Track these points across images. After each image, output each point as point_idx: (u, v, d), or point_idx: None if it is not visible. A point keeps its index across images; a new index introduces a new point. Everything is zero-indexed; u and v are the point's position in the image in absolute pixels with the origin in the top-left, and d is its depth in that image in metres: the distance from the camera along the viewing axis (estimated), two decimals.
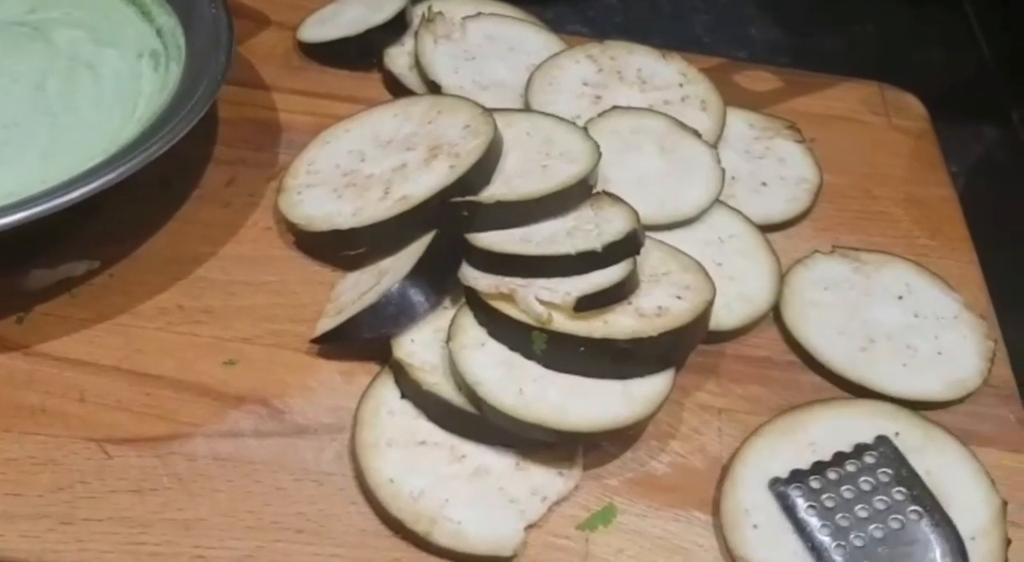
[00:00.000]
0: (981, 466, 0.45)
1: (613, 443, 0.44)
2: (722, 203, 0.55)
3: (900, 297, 0.53)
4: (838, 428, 0.46)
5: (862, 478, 0.44)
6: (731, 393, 0.48)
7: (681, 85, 0.61)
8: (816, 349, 0.50)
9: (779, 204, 0.58)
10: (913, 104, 0.68)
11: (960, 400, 0.49)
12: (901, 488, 0.44)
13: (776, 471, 0.44)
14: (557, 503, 0.42)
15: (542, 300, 0.44)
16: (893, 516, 0.43)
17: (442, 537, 0.40)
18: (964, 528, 0.43)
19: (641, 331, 0.44)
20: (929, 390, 0.49)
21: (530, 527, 0.41)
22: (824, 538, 0.42)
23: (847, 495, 0.43)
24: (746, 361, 0.50)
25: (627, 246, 0.47)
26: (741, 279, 0.52)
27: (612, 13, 0.77)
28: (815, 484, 0.44)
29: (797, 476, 0.44)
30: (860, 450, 0.45)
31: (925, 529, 0.43)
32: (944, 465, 0.45)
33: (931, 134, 0.65)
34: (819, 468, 0.44)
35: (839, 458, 0.44)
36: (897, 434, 0.46)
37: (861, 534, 0.42)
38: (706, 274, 0.48)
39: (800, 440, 0.45)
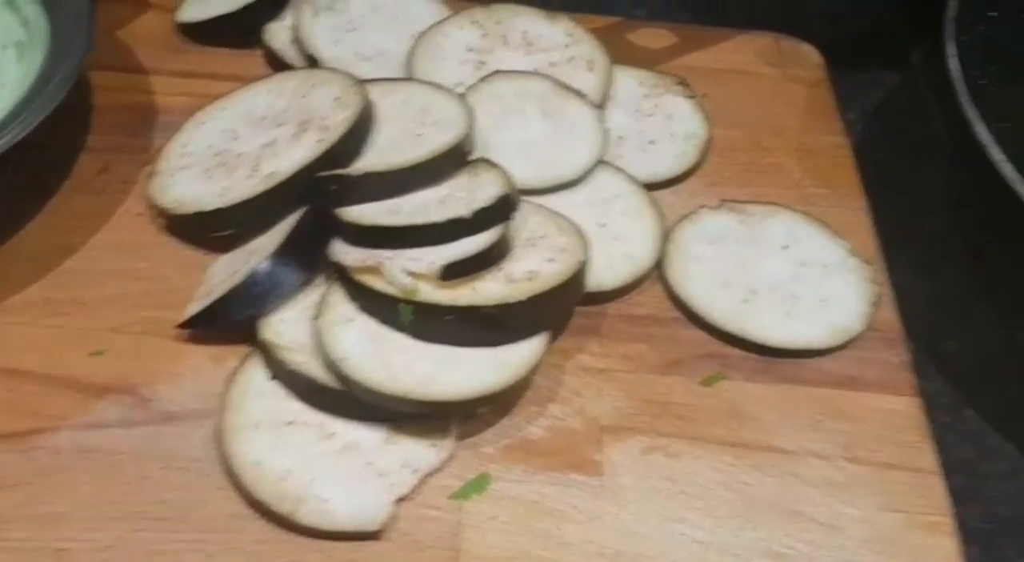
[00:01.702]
0: None
1: (489, 411, 0.44)
2: (607, 164, 0.54)
3: (785, 247, 0.53)
4: None
5: None
6: (613, 353, 0.48)
7: (567, 46, 0.60)
8: (697, 304, 0.49)
9: (667, 161, 0.57)
10: (809, 53, 0.67)
11: (843, 346, 0.49)
12: None
13: None
14: (430, 475, 0.42)
15: (409, 271, 0.43)
16: None
17: (308, 516, 0.39)
18: None
19: (509, 296, 0.43)
20: (811, 338, 0.49)
21: (401, 500, 0.41)
22: None
23: None
24: (629, 320, 0.49)
25: (498, 212, 0.46)
26: (625, 239, 0.51)
27: None
28: None
29: None
30: None
31: None
32: None
33: (826, 83, 0.65)
34: None
35: None
36: None
37: None
38: (581, 236, 0.47)
39: None
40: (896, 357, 0.49)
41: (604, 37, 0.63)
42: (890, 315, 0.51)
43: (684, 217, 0.54)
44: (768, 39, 0.68)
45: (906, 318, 0.52)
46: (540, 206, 0.50)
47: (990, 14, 0.59)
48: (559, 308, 0.46)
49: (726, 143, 0.60)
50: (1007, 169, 0.45)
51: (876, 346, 0.50)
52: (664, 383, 0.47)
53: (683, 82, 0.62)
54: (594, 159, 0.53)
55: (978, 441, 0.50)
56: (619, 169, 0.55)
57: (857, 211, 0.57)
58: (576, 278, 0.46)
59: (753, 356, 0.49)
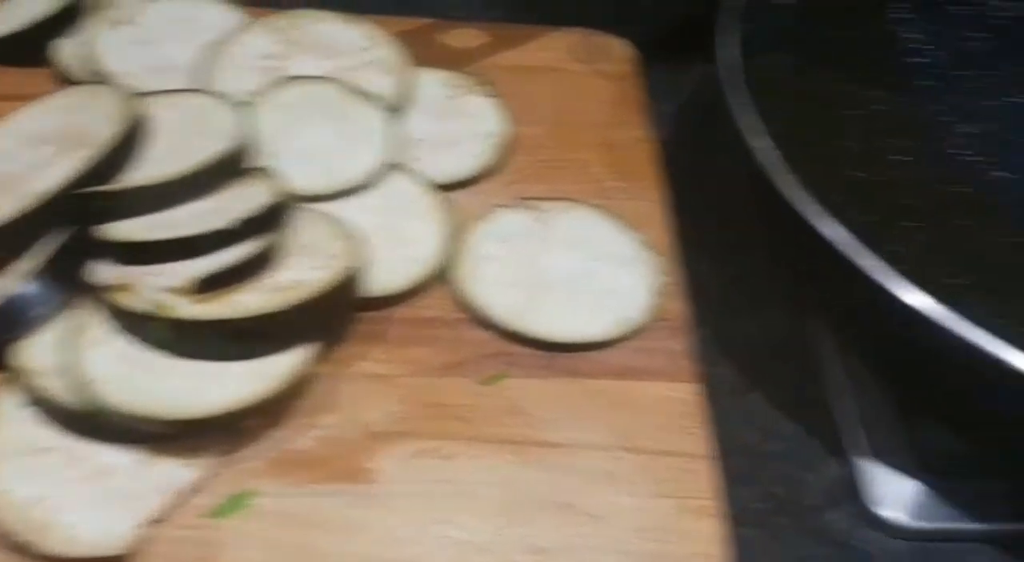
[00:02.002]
0: None
1: (256, 424, 0.43)
2: (401, 167, 0.54)
3: (577, 242, 0.53)
4: None
5: None
6: (395, 358, 0.48)
7: (366, 50, 0.60)
8: (482, 304, 0.49)
9: (466, 161, 0.57)
10: (619, 48, 0.68)
11: (628, 337, 0.49)
12: None
13: None
14: (188, 494, 0.41)
15: (164, 287, 0.42)
16: None
17: (54, 543, 0.38)
18: None
19: (267, 307, 0.43)
20: (594, 331, 0.49)
21: (156, 522, 0.40)
22: None
23: None
24: (415, 323, 0.49)
25: (263, 221, 0.45)
26: (411, 241, 0.51)
27: None
28: None
29: None
30: None
31: None
32: None
33: (635, 77, 0.66)
34: None
35: None
36: None
37: None
38: (356, 241, 0.47)
39: None
40: (679, 345, 0.50)
41: (414, 38, 0.63)
42: (678, 305, 0.52)
43: (478, 217, 0.54)
44: (579, 35, 0.69)
45: (702, 305, 0.53)
46: (321, 213, 0.49)
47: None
48: (326, 316, 0.45)
49: (529, 141, 0.60)
50: (764, 156, 0.46)
51: (661, 336, 0.50)
52: (444, 385, 0.47)
53: (486, 81, 0.61)
54: (381, 163, 0.53)
55: (761, 423, 0.51)
56: (412, 172, 0.54)
57: (654, 203, 0.57)
58: (344, 285, 0.45)
59: (538, 352, 0.49)
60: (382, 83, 0.58)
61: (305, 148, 0.53)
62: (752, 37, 0.55)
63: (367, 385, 0.46)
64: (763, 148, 0.46)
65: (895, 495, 0.47)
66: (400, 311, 0.50)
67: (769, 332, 0.54)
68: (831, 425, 0.50)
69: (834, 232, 0.43)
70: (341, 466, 0.43)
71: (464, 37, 0.67)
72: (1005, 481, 0.46)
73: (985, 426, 0.46)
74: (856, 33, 0.60)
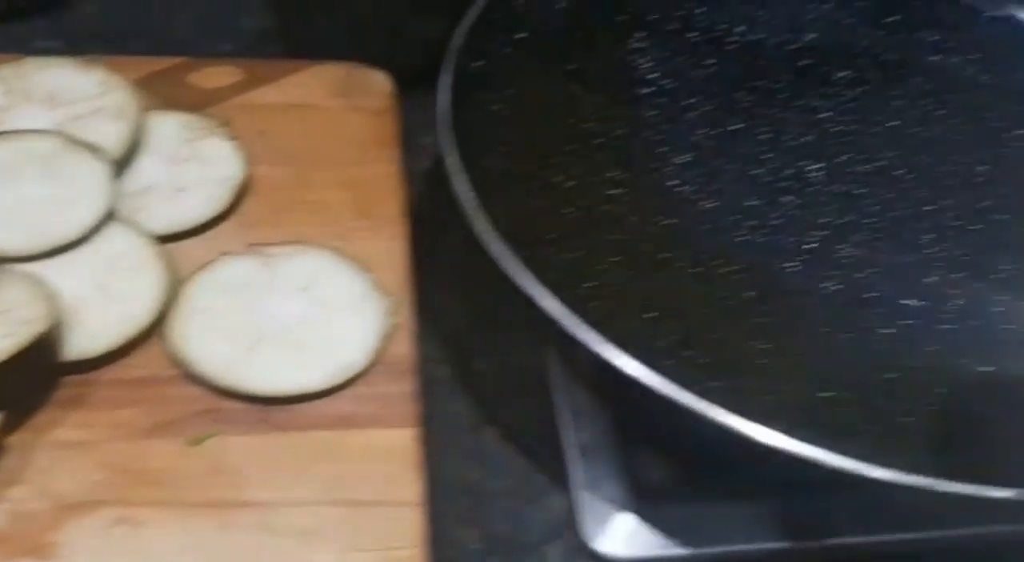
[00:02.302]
0: None
1: None
2: (120, 219, 0.53)
3: (304, 288, 0.53)
4: None
5: None
6: (99, 422, 0.46)
7: (97, 97, 0.58)
8: (194, 359, 0.48)
9: (196, 208, 0.56)
10: (379, 82, 0.67)
11: (348, 384, 0.49)
12: None
13: None
14: None
15: None
16: None
17: None
18: None
19: None
20: (309, 381, 0.49)
21: None
22: None
23: None
24: (124, 384, 0.48)
25: None
26: (124, 298, 0.50)
27: (91, 22, 0.73)
28: None
29: None
30: None
31: None
32: None
33: (392, 110, 0.65)
34: None
35: None
36: None
37: None
38: (54, 304, 0.45)
39: None
40: (402, 389, 0.50)
41: (164, 79, 0.62)
42: (404, 347, 0.51)
43: (202, 266, 0.53)
44: (340, 70, 0.68)
45: (443, 344, 0.53)
46: (21, 274, 0.48)
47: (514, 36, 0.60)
48: (17, 385, 0.44)
49: (270, 182, 0.59)
50: (465, 197, 0.46)
51: (382, 380, 0.50)
52: (149, 448, 0.46)
53: (226, 124, 0.60)
54: (98, 216, 0.52)
55: (490, 461, 0.51)
56: (133, 223, 0.53)
57: (394, 241, 0.57)
58: (35, 351, 0.44)
59: (253, 407, 0.48)
60: (111, 132, 0.57)
61: (12, 206, 0.51)
62: (476, 71, 0.55)
63: (64, 453, 0.45)
64: (464, 191, 0.46)
65: (610, 527, 0.47)
66: (109, 372, 0.48)
67: (508, 368, 0.54)
68: (560, 459, 0.50)
69: (519, 275, 0.43)
70: (26, 541, 0.42)
71: (217, 76, 0.66)
72: (713, 506, 0.47)
73: (693, 455, 0.47)
74: (594, 65, 0.60)
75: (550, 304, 0.42)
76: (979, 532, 0.47)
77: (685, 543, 0.47)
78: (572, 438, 0.51)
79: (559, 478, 0.50)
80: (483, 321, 0.57)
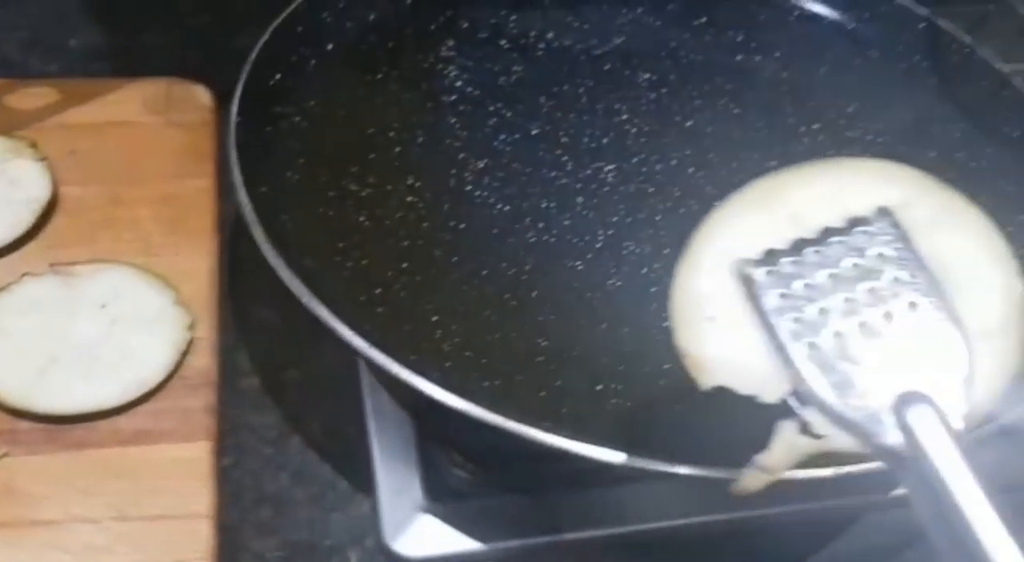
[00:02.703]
0: (1007, 248, 0.36)
1: None
2: None
3: (103, 306, 0.53)
4: (830, 197, 0.36)
5: (850, 260, 0.34)
6: None
7: None
8: None
9: (0, 230, 0.56)
10: (199, 96, 0.68)
11: (143, 399, 0.49)
12: (896, 273, 0.34)
13: (744, 250, 0.35)
14: None
15: None
16: (882, 308, 0.34)
17: None
18: (973, 323, 0.34)
19: None
20: (103, 398, 0.49)
21: None
22: (792, 333, 0.33)
23: (826, 281, 0.34)
24: None
25: None
26: None
27: None
28: (790, 267, 0.34)
29: (770, 257, 0.35)
30: (852, 225, 0.35)
31: (919, 324, 0.33)
32: (959, 246, 0.36)
33: (210, 125, 0.65)
34: (798, 247, 0.35)
35: (825, 235, 0.35)
36: (905, 204, 0.36)
37: (839, 329, 0.33)
38: None
39: (779, 212, 0.36)
40: (198, 402, 0.50)
41: None
42: (205, 361, 0.52)
43: (2, 288, 0.53)
44: (160, 85, 0.68)
45: (253, 354, 0.53)
46: None
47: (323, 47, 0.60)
48: None
49: (80, 202, 0.59)
50: (247, 212, 0.47)
51: (179, 394, 0.50)
52: None
53: (34, 144, 0.60)
54: None
55: (295, 468, 0.52)
56: None
57: (204, 256, 0.58)
58: None
59: (47, 427, 0.49)
60: None
61: None
62: (276, 83, 0.56)
63: None
64: (245, 204, 0.47)
65: (410, 528, 0.48)
66: None
67: (318, 379, 0.55)
68: (366, 466, 0.51)
69: (293, 285, 0.44)
70: None
71: (33, 97, 0.66)
72: (507, 503, 0.48)
73: (484, 455, 0.49)
74: (400, 75, 0.62)
75: (329, 319, 0.42)
76: (770, 513, 0.49)
77: (480, 539, 0.48)
78: (376, 444, 0.52)
79: (364, 484, 0.51)
80: (296, 332, 0.57)
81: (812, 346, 0.33)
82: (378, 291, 0.49)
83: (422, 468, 0.50)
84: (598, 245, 0.53)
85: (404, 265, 0.50)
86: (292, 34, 0.59)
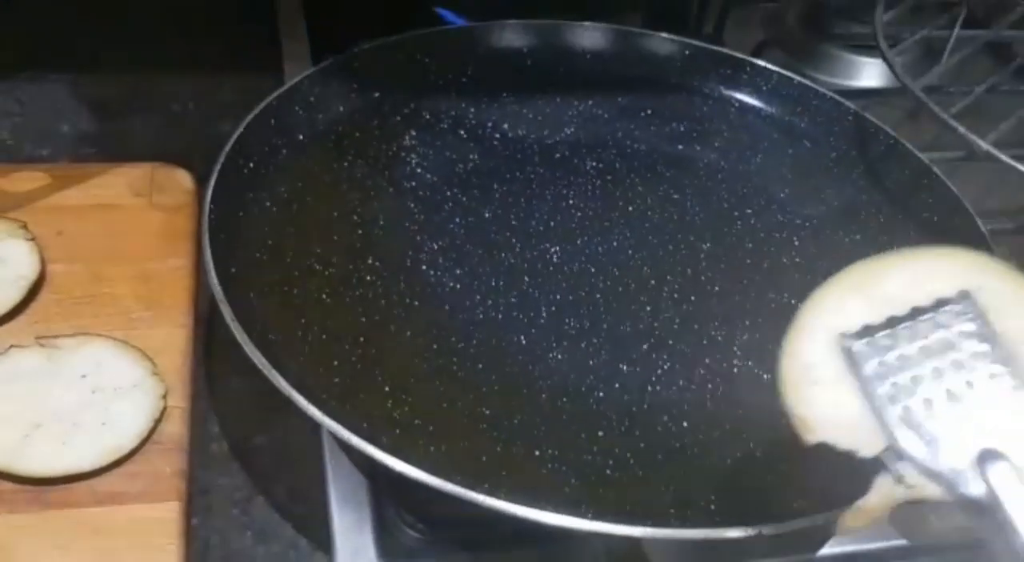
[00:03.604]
0: None
1: None
2: None
3: (84, 376, 0.57)
4: (917, 281, 0.41)
5: (937, 334, 0.40)
6: None
7: None
8: None
9: None
10: (181, 180, 0.73)
11: (118, 463, 0.53)
12: (977, 346, 0.39)
13: (845, 326, 0.41)
14: None
15: None
16: (965, 376, 0.39)
17: None
18: None
19: None
20: (80, 462, 0.53)
21: None
22: (888, 397, 0.39)
23: (917, 353, 0.40)
24: None
25: None
26: None
27: None
28: (885, 340, 0.40)
29: (867, 331, 0.40)
30: (938, 305, 0.40)
31: (1000, 390, 0.39)
32: None
33: (190, 207, 0.71)
34: (892, 323, 0.40)
35: (915, 313, 0.40)
36: (981, 288, 0.41)
37: (928, 395, 0.39)
38: None
39: (874, 292, 0.41)
40: (170, 466, 0.54)
41: None
42: (176, 427, 0.56)
43: None
44: (145, 169, 0.74)
45: (222, 421, 0.58)
46: None
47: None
48: None
49: (63, 279, 0.64)
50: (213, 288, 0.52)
51: (152, 459, 0.55)
52: None
53: (24, 225, 0.65)
54: None
55: (259, 527, 0.56)
56: None
57: (177, 329, 0.62)
58: None
59: (30, 488, 0.52)
60: None
61: None
62: (249, 171, 0.61)
63: None
64: (215, 285, 0.52)
65: None
66: None
67: (284, 444, 0.59)
68: (327, 526, 0.55)
69: (261, 363, 0.48)
70: None
71: (24, 180, 0.71)
72: (452, 559, 0.53)
73: (435, 516, 0.53)
74: (364, 163, 0.67)
75: (287, 390, 0.47)
76: None
77: None
78: (336, 506, 0.56)
79: (323, 544, 0.55)
80: (264, 401, 0.61)
81: (905, 409, 0.39)
82: (336, 363, 0.54)
83: (377, 528, 0.54)
84: (541, 321, 0.58)
85: (360, 339, 0.55)
86: (266, 126, 0.65)
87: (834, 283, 0.43)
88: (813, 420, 0.40)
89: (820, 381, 0.40)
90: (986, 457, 0.37)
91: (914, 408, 0.38)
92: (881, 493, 0.39)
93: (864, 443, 0.39)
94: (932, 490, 0.38)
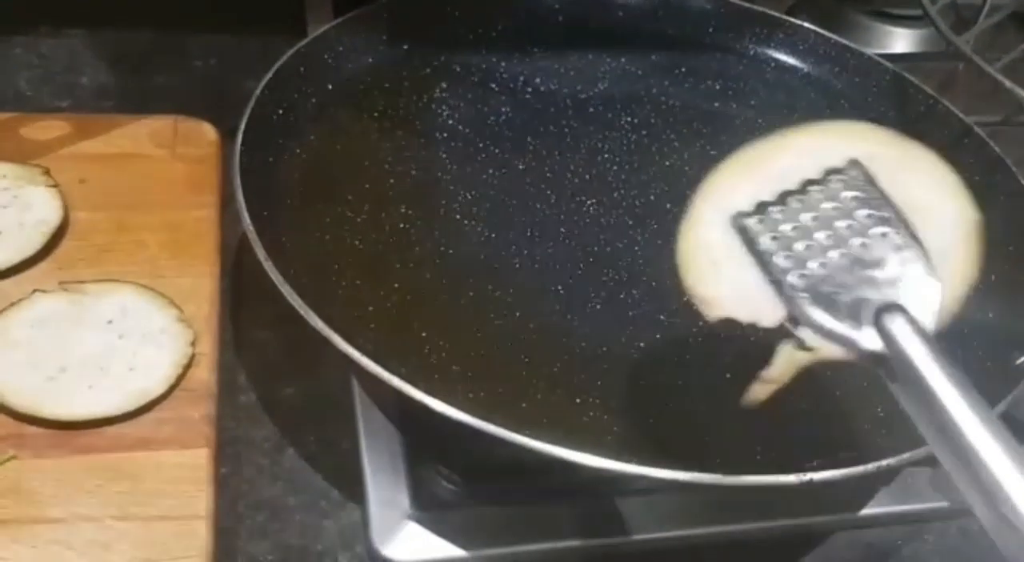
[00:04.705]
0: (960, 183, 0.45)
1: None
2: None
3: (110, 322, 0.56)
4: (807, 155, 0.44)
5: (828, 203, 0.42)
6: None
7: None
8: (2, 388, 0.51)
9: (10, 250, 0.60)
10: (205, 132, 0.71)
11: (146, 408, 0.52)
12: (868, 210, 0.42)
13: (739, 205, 0.43)
14: None
15: None
16: (858, 239, 0.41)
17: None
18: (934, 245, 0.41)
19: None
20: (108, 406, 0.52)
21: None
22: (785, 267, 0.41)
23: (810, 222, 0.42)
24: None
25: None
26: None
27: None
28: (778, 214, 0.42)
29: (761, 208, 0.43)
30: (828, 175, 0.43)
31: (889, 249, 0.41)
32: (918, 182, 0.44)
33: (214, 159, 0.69)
34: (784, 197, 0.43)
35: (806, 185, 0.43)
36: (871, 156, 0.44)
37: (823, 260, 0.41)
38: None
39: (766, 171, 0.44)
40: (197, 412, 0.53)
41: None
42: (205, 374, 0.55)
43: (13, 303, 0.56)
44: (168, 121, 0.72)
45: (252, 371, 0.56)
46: None
47: None
48: None
49: (87, 226, 0.63)
50: (253, 239, 0.50)
51: (180, 405, 0.53)
52: None
53: (46, 171, 0.64)
54: None
55: (289, 478, 0.54)
56: None
57: (205, 278, 0.61)
58: None
59: (55, 432, 0.51)
60: None
61: None
62: (279, 118, 0.60)
63: None
64: (249, 229, 0.50)
65: (398, 535, 0.51)
66: None
67: (314, 394, 0.58)
68: (358, 477, 0.54)
69: (297, 304, 0.47)
70: None
71: (47, 129, 0.70)
72: (492, 511, 0.51)
73: (469, 464, 0.51)
74: (395, 113, 0.66)
75: (324, 329, 0.46)
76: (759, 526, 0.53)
77: (464, 547, 0.51)
78: (368, 456, 0.55)
79: (356, 494, 0.54)
80: (292, 352, 0.60)
81: (802, 276, 0.40)
82: (370, 308, 0.52)
83: (410, 479, 0.53)
84: (579, 272, 0.56)
85: (395, 285, 0.53)
86: (295, 73, 0.63)
87: (726, 166, 0.45)
88: (714, 297, 0.43)
89: (718, 260, 0.43)
90: (883, 312, 0.38)
91: (810, 274, 0.40)
92: (784, 360, 0.43)
93: (765, 314, 0.41)
94: (833, 350, 0.39)
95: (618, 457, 0.43)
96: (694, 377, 0.52)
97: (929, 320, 0.39)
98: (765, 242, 0.41)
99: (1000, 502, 0.32)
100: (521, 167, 0.62)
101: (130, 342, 0.55)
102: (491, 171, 0.62)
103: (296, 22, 0.85)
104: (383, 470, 0.54)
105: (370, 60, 0.68)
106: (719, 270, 0.43)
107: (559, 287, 0.55)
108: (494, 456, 0.48)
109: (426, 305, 0.53)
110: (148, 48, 0.84)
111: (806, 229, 0.41)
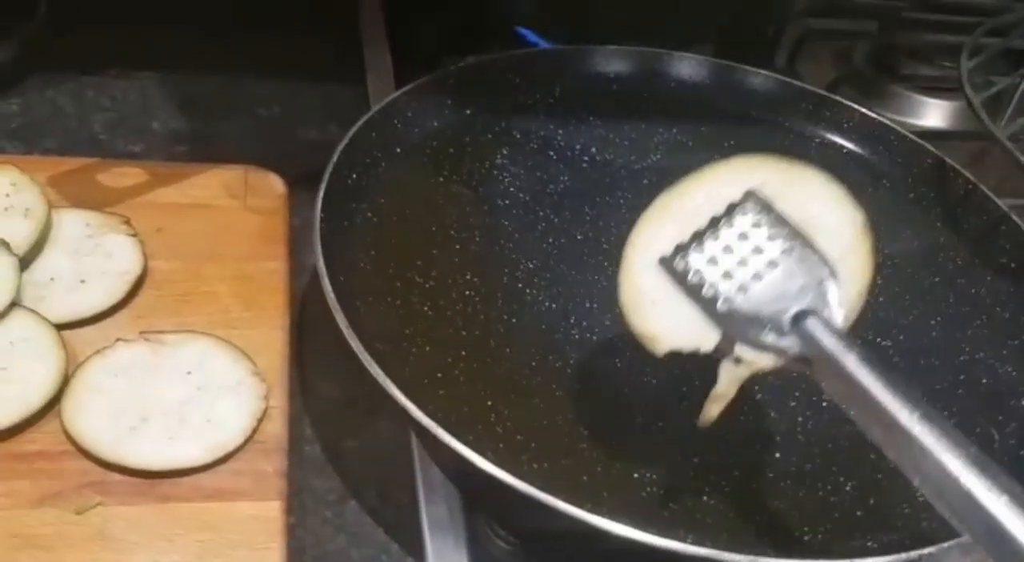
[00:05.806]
0: (843, 190, 0.50)
1: None
2: (23, 307, 0.59)
3: (189, 373, 0.59)
4: (711, 194, 0.50)
5: (734, 233, 0.48)
6: None
7: (8, 195, 0.64)
8: (83, 435, 0.54)
9: (95, 298, 0.62)
10: (274, 184, 0.75)
11: (223, 460, 0.55)
12: (767, 231, 0.48)
13: (663, 249, 0.49)
14: None
15: None
16: (763, 258, 0.47)
17: None
18: (832, 249, 0.48)
19: None
20: (188, 457, 0.55)
21: None
22: (711, 297, 0.47)
23: (721, 254, 0.48)
24: (17, 458, 0.54)
25: None
26: (23, 380, 0.56)
27: (8, 119, 0.80)
28: (695, 252, 0.48)
29: (680, 250, 0.48)
30: (730, 210, 0.49)
31: (793, 262, 0.47)
32: (808, 196, 0.49)
33: (283, 211, 0.72)
34: (697, 236, 0.48)
35: (714, 222, 0.49)
36: (763, 183, 0.50)
37: (740, 284, 0.47)
38: None
39: (679, 215, 0.50)
40: (272, 466, 0.56)
41: (72, 179, 0.68)
42: (276, 427, 0.58)
43: (97, 351, 0.59)
44: (237, 172, 0.75)
45: (317, 423, 0.60)
46: None
47: None
48: None
49: (164, 275, 0.66)
50: (329, 295, 0.53)
51: (254, 457, 0.56)
52: (37, 516, 0.51)
53: (127, 221, 0.67)
54: (2, 306, 0.58)
55: (352, 530, 0.57)
56: (33, 311, 0.59)
57: (276, 331, 0.64)
58: None
59: (136, 480, 0.54)
60: (18, 227, 0.63)
61: None
62: (352, 182, 0.63)
63: None
64: (329, 293, 0.54)
65: None
66: (5, 446, 0.54)
67: (375, 448, 0.61)
68: (417, 532, 0.57)
69: (373, 369, 0.50)
70: None
71: (123, 176, 0.73)
72: None
73: (527, 530, 0.54)
74: (459, 178, 0.69)
75: (397, 395, 0.49)
76: None
77: None
78: (427, 512, 0.58)
79: (415, 549, 0.57)
80: (355, 406, 0.63)
81: (726, 300, 0.47)
82: (439, 375, 0.55)
83: (468, 536, 0.56)
84: (636, 345, 0.59)
85: (463, 353, 0.56)
86: (367, 139, 0.67)
87: (646, 217, 0.51)
88: (658, 333, 0.48)
89: (656, 301, 0.48)
90: (799, 318, 0.45)
91: (731, 298, 0.46)
92: (727, 377, 0.48)
93: (703, 340, 0.47)
94: (766, 360, 0.46)
95: (674, 535, 0.46)
96: (743, 455, 0.54)
97: (838, 317, 0.45)
98: (692, 277, 0.47)
99: (915, 449, 0.39)
100: (579, 237, 0.65)
101: (207, 394, 0.58)
102: (551, 240, 0.65)
103: (355, 71, 0.89)
104: (441, 526, 0.57)
105: (436, 124, 0.71)
106: (657, 309, 0.48)
107: (616, 360, 0.58)
108: (554, 523, 0.50)
109: (491, 374, 0.55)
110: (215, 91, 0.88)
111: (721, 259, 0.47)
